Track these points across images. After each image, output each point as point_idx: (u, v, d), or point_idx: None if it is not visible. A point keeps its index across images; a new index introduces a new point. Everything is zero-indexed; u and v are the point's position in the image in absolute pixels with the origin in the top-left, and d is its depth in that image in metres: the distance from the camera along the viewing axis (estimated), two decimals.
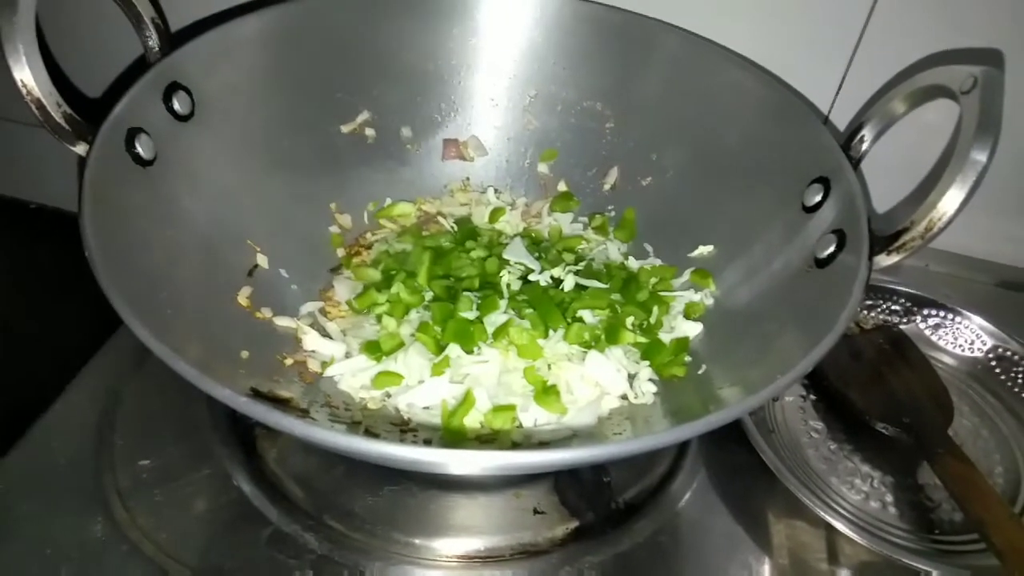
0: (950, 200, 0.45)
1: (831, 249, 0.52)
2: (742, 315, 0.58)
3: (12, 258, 0.85)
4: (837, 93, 0.69)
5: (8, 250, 0.86)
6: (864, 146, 0.55)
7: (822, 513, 0.51)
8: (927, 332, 0.66)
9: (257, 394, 0.50)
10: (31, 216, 0.91)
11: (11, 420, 0.57)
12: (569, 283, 0.61)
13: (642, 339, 0.58)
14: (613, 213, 0.70)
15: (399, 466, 0.49)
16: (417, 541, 0.52)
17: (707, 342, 0.59)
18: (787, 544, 0.53)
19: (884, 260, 0.49)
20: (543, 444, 0.52)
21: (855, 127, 0.55)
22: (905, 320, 0.67)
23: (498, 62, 0.69)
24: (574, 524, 0.54)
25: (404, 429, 0.54)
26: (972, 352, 0.65)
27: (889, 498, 0.56)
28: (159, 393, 0.60)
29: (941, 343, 0.66)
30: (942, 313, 0.66)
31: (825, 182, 0.54)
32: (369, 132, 0.69)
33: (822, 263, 0.52)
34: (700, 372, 0.57)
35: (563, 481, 0.55)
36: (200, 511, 0.53)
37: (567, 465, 0.50)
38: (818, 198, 0.55)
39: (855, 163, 0.54)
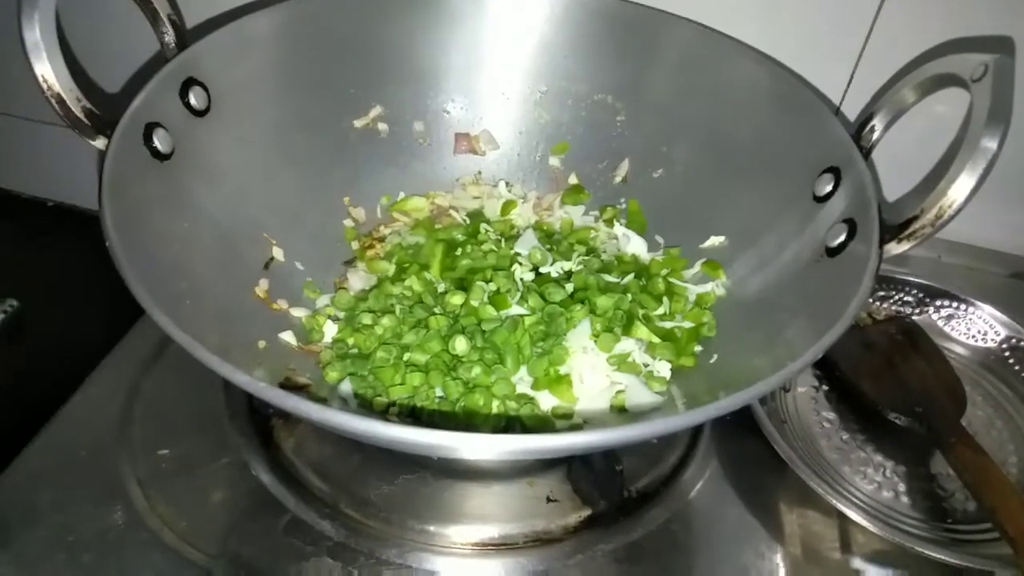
0: (960, 188, 0.45)
1: (842, 238, 0.52)
2: (753, 305, 0.58)
3: (31, 255, 0.86)
4: (848, 84, 0.68)
5: (27, 247, 0.88)
6: (875, 136, 0.55)
7: (834, 502, 0.51)
8: (940, 323, 0.66)
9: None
10: (49, 214, 0.93)
11: (34, 412, 0.58)
12: (580, 279, 0.61)
13: (655, 335, 0.58)
14: (624, 206, 0.70)
15: (413, 451, 0.50)
16: (432, 528, 0.53)
17: (718, 332, 0.59)
18: (799, 533, 0.54)
19: (895, 248, 0.49)
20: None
21: (865, 117, 0.55)
22: (918, 311, 0.67)
23: (509, 57, 0.69)
24: (587, 512, 0.54)
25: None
26: (985, 343, 0.65)
27: (902, 487, 0.56)
28: (177, 385, 0.61)
29: (954, 334, 0.66)
30: (955, 304, 0.66)
31: (836, 172, 0.54)
32: (382, 127, 0.70)
33: (833, 252, 0.52)
34: (712, 361, 0.57)
35: (576, 470, 0.56)
36: (218, 500, 0.54)
37: (580, 450, 0.50)
38: (829, 188, 0.55)
39: (866, 153, 0.54)
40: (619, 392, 0.54)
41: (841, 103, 0.69)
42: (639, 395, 0.54)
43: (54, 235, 0.90)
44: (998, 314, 0.65)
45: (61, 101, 0.49)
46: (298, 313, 0.60)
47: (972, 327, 0.66)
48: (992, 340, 0.65)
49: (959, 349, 0.65)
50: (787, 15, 0.66)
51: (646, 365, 0.57)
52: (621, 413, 0.53)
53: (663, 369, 0.56)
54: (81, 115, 0.50)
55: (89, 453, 0.56)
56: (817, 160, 0.56)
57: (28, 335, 0.77)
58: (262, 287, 0.59)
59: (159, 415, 0.59)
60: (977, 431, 0.59)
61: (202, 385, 0.60)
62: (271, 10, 0.62)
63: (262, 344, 0.55)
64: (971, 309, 0.66)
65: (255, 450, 0.57)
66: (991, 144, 0.45)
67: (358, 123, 0.69)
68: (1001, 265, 0.74)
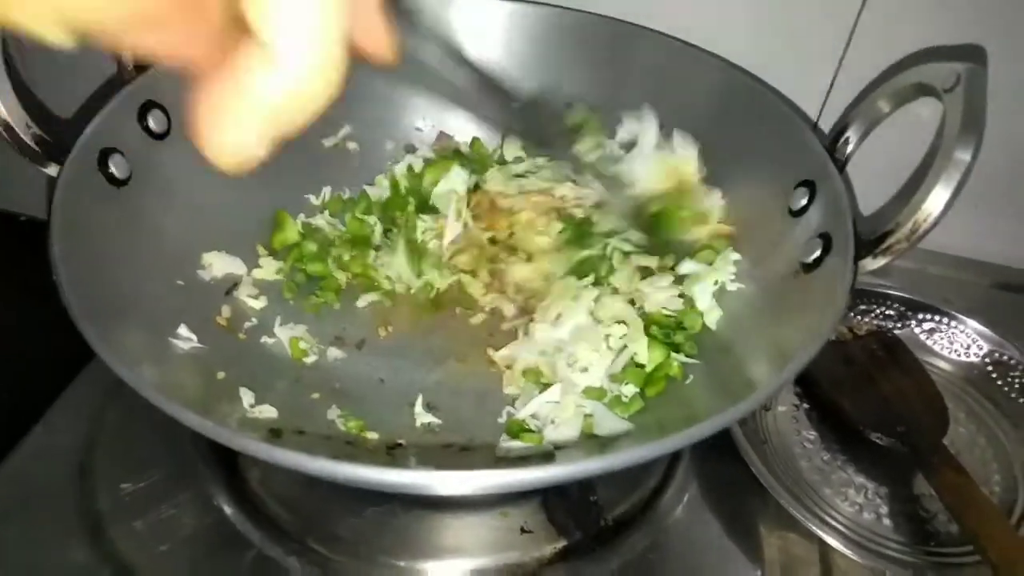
0: (935, 200, 0.44)
1: (817, 253, 0.51)
2: (729, 323, 0.57)
3: (3, 272, 0.84)
4: (825, 99, 0.68)
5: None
6: (849, 148, 0.54)
7: (814, 528, 0.50)
8: (922, 337, 0.65)
9: None
10: (21, 229, 0.90)
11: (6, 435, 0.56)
12: None
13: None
14: None
15: (379, 488, 0.48)
16: (402, 564, 0.51)
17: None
18: (780, 558, 0.52)
19: (870, 263, 0.48)
20: (523, 460, 0.51)
21: (840, 129, 0.54)
22: (900, 325, 0.66)
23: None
24: (562, 543, 0.52)
25: (391, 447, 0.53)
26: (968, 357, 0.64)
27: (884, 509, 0.54)
28: (141, 415, 0.59)
29: (936, 348, 0.65)
30: (937, 317, 0.65)
31: (811, 185, 0.54)
32: (352, 146, 0.69)
33: (808, 268, 0.51)
34: (687, 382, 0.55)
35: (551, 499, 0.54)
36: (183, 535, 0.52)
37: (551, 482, 0.49)
38: (804, 202, 0.54)
39: (840, 166, 0.53)
40: (587, 416, 0.53)
41: (819, 118, 0.68)
42: (608, 421, 0.52)
43: (26, 250, 0.88)
44: (981, 328, 0.63)
45: (9, 128, 0.48)
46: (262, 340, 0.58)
47: (955, 341, 0.64)
48: (975, 354, 0.63)
49: (942, 364, 0.64)
50: (763, 31, 0.65)
51: (611, 390, 0.55)
52: (591, 439, 0.52)
53: (629, 393, 0.55)
54: (31, 142, 0.49)
55: (50, 487, 0.54)
56: (792, 174, 0.55)
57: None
58: (224, 314, 0.57)
59: (122, 446, 0.57)
60: (960, 449, 0.57)
61: (166, 415, 0.58)
62: None
63: (221, 375, 0.53)
64: (954, 323, 0.64)
65: (220, 482, 0.55)
66: (965, 156, 0.44)
67: (327, 143, 0.68)
68: (985, 276, 0.73)
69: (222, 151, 0.22)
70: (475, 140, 0.71)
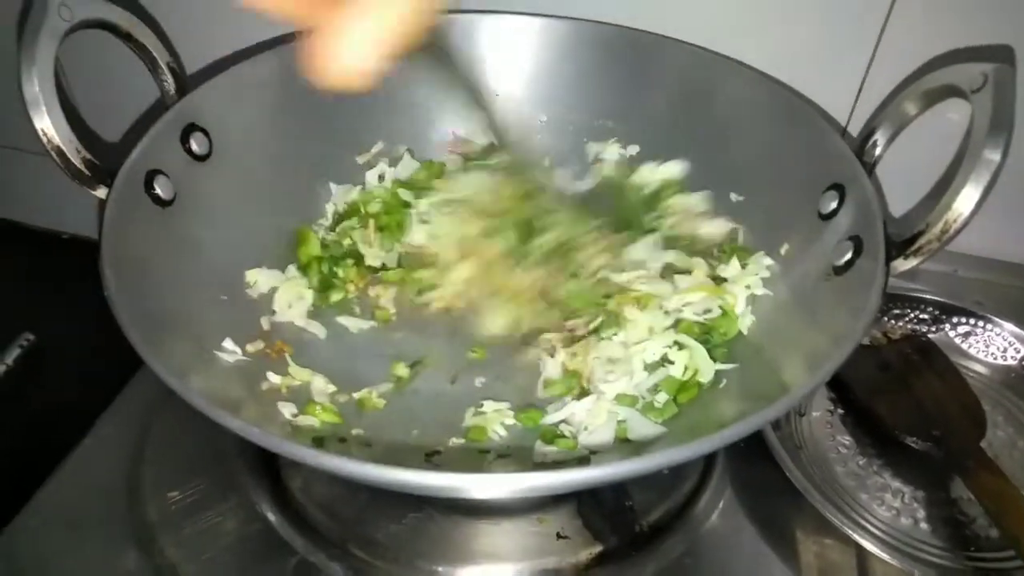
0: (965, 200, 0.44)
1: (848, 256, 0.51)
2: (762, 326, 0.57)
3: (46, 288, 0.86)
4: (855, 102, 0.67)
5: (42, 280, 0.88)
6: (878, 150, 0.54)
7: (851, 533, 0.50)
8: (957, 340, 0.64)
9: None
10: (64, 246, 0.93)
11: (53, 448, 0.58)
12: None
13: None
14: None
15: (421, 492, 0.49)
16: (440, 569, 0.52)
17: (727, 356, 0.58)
18: (816, 563, 0.52)
19: (901, 265, 0.48)
20: (558, 464, 0.51)
21: (868, 132, 0.54)
22: (934, 329, 0.65)
23: (506, 87, 0.69)
24: (598, 549, 0.53)
25: (429, 453, 0.54)
26: (1005, 360, 0.63)
27: (921, 514, 0.54)
28: (188, 424, 0.61)
29: (972, 352, 0.64)
30: (972, 320, 0.64)
31: (840, 188, 0.54)
32: (384, 162, 0.70)
33: (840, 270, 0.51)
34: (721, 386, 0.56)
35: (586, 504, 0.55)
36: (228, 542, 0.53)
37: (587, 485, 0.49)
38: (833, 205, 0.54)
39: (869, 168, 0.53)
40: (620, 422, 0.53)
41: (848, 123, 0.68)
42: (641, 426, 0.53)
43: (69, 267, 0.91)
44: (1017, 330, 0.62)
45: (61, 153, 0.50)
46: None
47: (991, 344, 0.63)
48: (1012, 357, 0.63)
49: (978, 367, 0.63)
50: (791, 38, 0.65)
51: (643, 397, 0.55)
52: (625, 444, 0.52)
53: (661, 400, 0.55)
54: (81, 166, 0.51)
55: (100, 496, 0.56)
56: (821, 177, 0.55)
57: (45, 369, 0.77)
58: (265, 327, 0.59)
59: (169, 456, 0.59)
60: (999, 453, 0.56)
61: (212, 425, 0.60)
62: (270, 53, 0.62)
63: (265, 385, 0.55)
64: (989, 325, 0.63)
65: (264, 490, 0.56)
66: (994, 155, 0.44)
67: (361, 159, 0.70)
68: (1020, 278, 0.72)
69: (347, 71, 0.31)
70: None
